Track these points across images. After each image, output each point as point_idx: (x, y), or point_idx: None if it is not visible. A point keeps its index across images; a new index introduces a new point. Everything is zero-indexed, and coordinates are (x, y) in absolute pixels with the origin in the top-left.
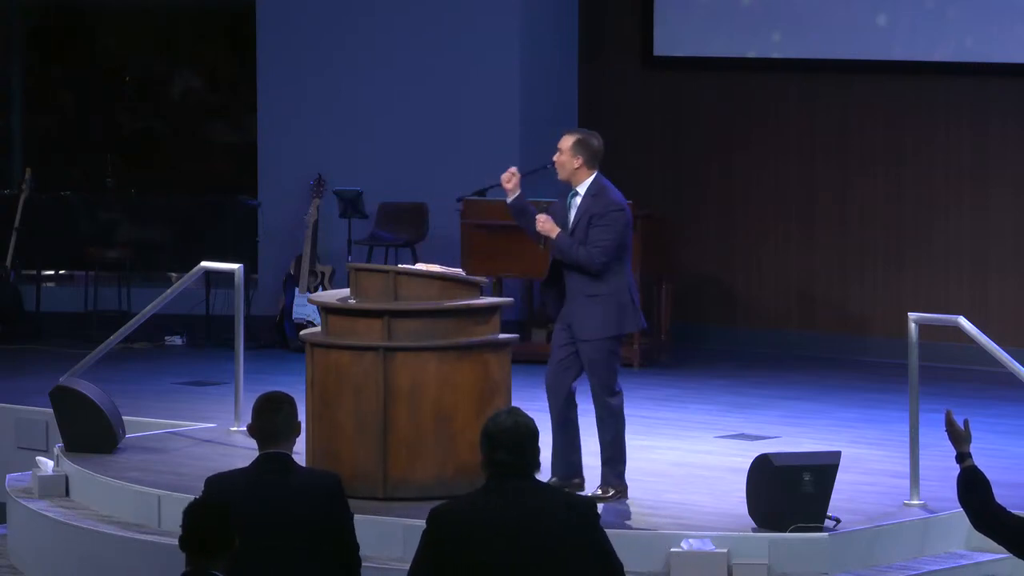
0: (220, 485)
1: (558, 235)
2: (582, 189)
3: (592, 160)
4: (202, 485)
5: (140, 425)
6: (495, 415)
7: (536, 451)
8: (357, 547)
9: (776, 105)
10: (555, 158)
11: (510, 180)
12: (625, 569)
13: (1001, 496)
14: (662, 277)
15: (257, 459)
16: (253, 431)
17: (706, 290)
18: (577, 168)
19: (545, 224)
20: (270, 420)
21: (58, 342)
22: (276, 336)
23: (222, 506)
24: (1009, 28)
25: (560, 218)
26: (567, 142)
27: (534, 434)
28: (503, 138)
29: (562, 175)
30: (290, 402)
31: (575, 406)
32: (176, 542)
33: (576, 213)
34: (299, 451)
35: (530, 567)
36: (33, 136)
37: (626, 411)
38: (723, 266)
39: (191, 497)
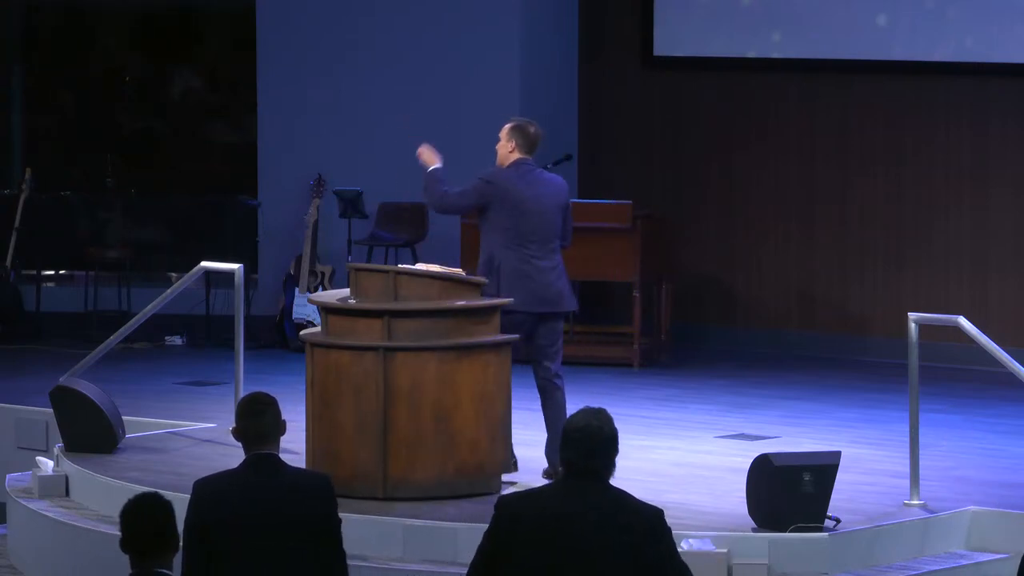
0: (209, 488)
1: (433, 168)
2: None
3: (525, 146)
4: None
5: (140, 425)
6: (575, 413)
7: (608, 455)
8: (344, 552)
9: (776, 105)
10: (497, 146)
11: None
12: None
13: (1001, 496)
14: (662, 277)
15: (246, 460)
16: (239, 434)
17: (706, 290)
18: (510, 152)
19: (428, 156)
20: (258, 422)
21: (58, 342)
22: (276, 336)
23: (164, 503)
24: (1009, 28)
25: None
26: (505, 129)
27: (608, 439)
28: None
29: (498, 160)
30: (274, 403)
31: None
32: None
33: None
34: (299, 451)
35: (577, 567)
36: (33, 136)
37: (626, 411)
38: (723, 266)
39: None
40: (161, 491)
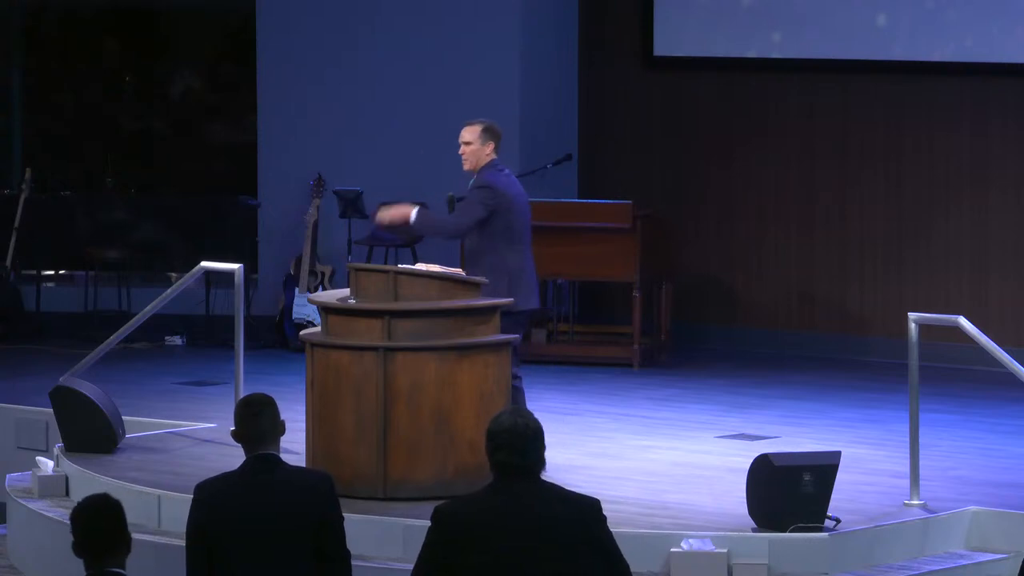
0: (210, 490)
1: (417, 212)
2: (477, 175)
3: (498, 146)
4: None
5: (140, 425)
6: (498, 415)
7: (539, 451)
8: (348, 552)
9: (776, 105)
10: (464, 149)
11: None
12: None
13: (1001, 496)
14: (662, 277)
15: (246, 461)
16: (238, 436)
17: (706, 290)
18: (487, 154)
19: (397, 210)
20: (254, 424)
21: (58, 342)
22: (276, 336)
23: (114, 503)
24: (1009, 28)
25: None
26: (475, 130)
27: (537, 434)
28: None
29: (470, 164)
30: (270, 403)
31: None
32: (178, 541)
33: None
34: (299, 451)
35: (532, 568)
36: (33, 136)
37: (626, 411)
38: (723, 266)
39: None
40: (158, 489)
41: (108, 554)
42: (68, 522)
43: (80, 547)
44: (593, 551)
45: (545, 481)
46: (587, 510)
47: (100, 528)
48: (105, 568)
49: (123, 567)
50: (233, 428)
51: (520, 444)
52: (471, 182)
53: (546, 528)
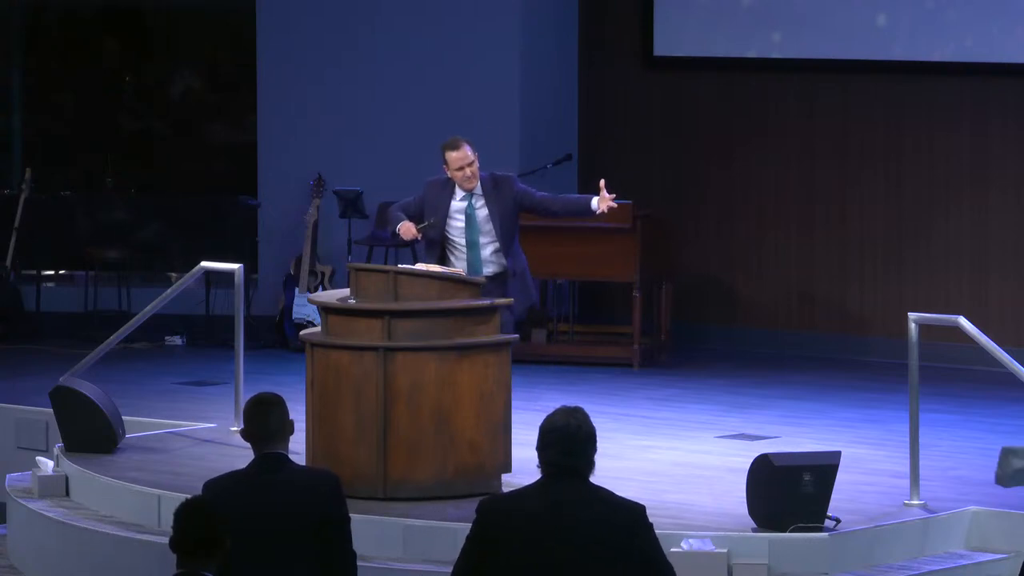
0: (217, 488)
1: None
2: (479, 186)
3: None
4: (200, 486)
5: (140, 425)
6: (552, 413)
7: (588, 453)
8: (354, 552)
9: (776, 105)
10: (473, 167)
11: (409, 232)
12: None
13: (1000, 496)
14: (662, 277)
15: (253, 460)
16: (247, 435)
17: (706, 290)
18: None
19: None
20: (263, 423)
21: (58, 342)
22: (276, 336)
23: (214, 506)
24: (1009, 28)
25: (441, 212)
26: (470, 152)
27: (588, 436)
28: (503, 138)
29: (475, 171)
30: (280, 402)
31: None
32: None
33: (489, 205)
34: (299, 452)
35: (563, 567)
36: (33, 136)
37: (626, 411)
38: (723, 266)
39: (190, 497)
40: (158, 489)
41: (201, 556)
42: (68, 523)
43: (175, 544)
44: (631, 557)
45: (594, 484)
46: (627, 515)
47: (195, 528)
48: (196, 569)
49: (214, 571)
50: (242, 427)
51: (567, 445)
52: (470, 195)
53: (579, 530)
